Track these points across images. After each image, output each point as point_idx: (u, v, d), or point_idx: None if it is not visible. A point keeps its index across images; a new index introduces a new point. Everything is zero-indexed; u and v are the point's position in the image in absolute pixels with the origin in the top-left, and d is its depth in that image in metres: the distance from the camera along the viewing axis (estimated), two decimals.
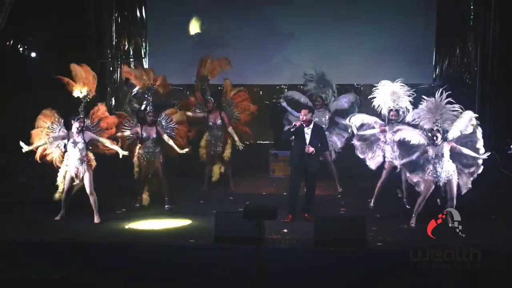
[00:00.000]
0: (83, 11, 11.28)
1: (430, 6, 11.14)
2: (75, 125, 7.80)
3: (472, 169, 7.68)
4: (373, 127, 8.53)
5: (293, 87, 10.98)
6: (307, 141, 7.79)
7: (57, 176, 8.01)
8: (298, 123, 7.78)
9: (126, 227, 7.64)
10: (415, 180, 7.78)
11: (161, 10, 11.63)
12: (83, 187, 7.93)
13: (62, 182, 7.96)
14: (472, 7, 11.08)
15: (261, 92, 11.46)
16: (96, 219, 7.82)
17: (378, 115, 8.68)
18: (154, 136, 8.57)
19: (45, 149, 7.96)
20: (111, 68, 11.84)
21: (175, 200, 8.77)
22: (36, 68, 10.16)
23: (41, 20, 10.04)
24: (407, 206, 8.36)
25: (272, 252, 6.49)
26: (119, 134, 8.50)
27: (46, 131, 7.92)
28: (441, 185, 7.51)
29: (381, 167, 8.59)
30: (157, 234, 7.38)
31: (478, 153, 7.58)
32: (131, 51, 11.96)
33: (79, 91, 8.07)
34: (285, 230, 7.31)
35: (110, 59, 11.78)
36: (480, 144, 7.61)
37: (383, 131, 8.41)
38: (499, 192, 9.09)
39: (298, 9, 11.24)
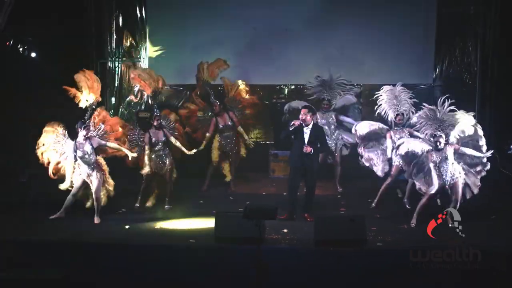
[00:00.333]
0: (83, 11, 11.24)
1: (430, 6, 11.10)
2: (82, 133, 7.76)
3: (478, 168, 7.75)
4: (377, 132, 8.60)
5: (293, 87, 10.88)
6: (306, 141, 7.79)
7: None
8: (297, 123, 7.76)
9: (126, 227, 7.63)
10: (420, 183, 7.78)
11: (161, 10, 11.62)
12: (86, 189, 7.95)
13: (70, 186, 7.91)
14: (472, 7, 11.05)
15: (261, 92, 11.45)
16: (96, 220, 7.82)
17: (381, 118, 8.75)
18: (163, 139, 8.58)
19: (58, 163, 7.91)
20: (114, 69, 11.84)
21: (175, 200, 8.77)
22: (36, 68, 10.15)
23: (41, 20, 10.00)
24: (407, 206, 8.38)
25: (272, 252, 6.49)
26: (132, 155, 8.21)
27: (53, 147, 7.86)
28: (447, 187, 7.54)
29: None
30: (157, 234, 7.37)
31: (481, 151, 7.63)
32: (131, 51, 11.93)
33: (85, 100, 7.99)
34: (285, 230, 7.30)
35: (110, 59, 11.77)
36: (482, 141, 7.67)
37: (390, 137, 8.44)
38: (499, 192, 9.08)
39: (298, 9, 11.22)
